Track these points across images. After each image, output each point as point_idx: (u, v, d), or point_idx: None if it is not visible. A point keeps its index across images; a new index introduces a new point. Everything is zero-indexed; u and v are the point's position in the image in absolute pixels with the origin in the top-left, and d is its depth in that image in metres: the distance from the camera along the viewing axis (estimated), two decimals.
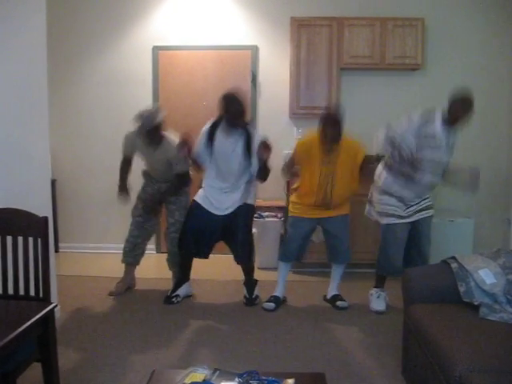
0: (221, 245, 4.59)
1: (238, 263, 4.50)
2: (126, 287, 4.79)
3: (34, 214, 2.70)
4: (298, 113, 5.70)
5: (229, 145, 4.21)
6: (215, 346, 3.67)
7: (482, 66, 5.84)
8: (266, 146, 4.07)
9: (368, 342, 3.75)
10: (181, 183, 4.56)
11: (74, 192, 6.18)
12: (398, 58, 5.55)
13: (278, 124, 5.87)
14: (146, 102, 5.51)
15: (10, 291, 2.72)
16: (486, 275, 2.86)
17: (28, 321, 2.33)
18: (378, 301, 4.39)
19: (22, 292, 2.71)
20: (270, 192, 5.66)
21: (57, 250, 5.88)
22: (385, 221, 4.31)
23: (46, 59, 3.95)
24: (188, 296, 4.62)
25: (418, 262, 4.26)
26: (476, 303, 2.78)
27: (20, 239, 2.68)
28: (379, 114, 5.80)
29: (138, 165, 4.73)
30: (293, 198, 4.51)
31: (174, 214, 4.61)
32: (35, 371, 2.62)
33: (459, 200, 5.87)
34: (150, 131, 4.31)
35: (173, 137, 4.44)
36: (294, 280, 5.12)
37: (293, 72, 5.65)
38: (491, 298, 2.79)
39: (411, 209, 4.25)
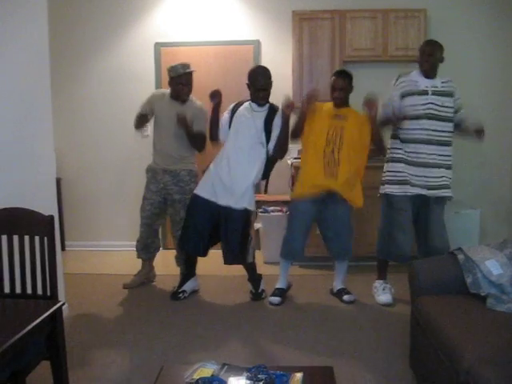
0: None
1: (231, 263, 4.41)
2: (141, 281, 4.84)
3: (39, 213, 2.70)
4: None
5: (250, 117, 4.29)
6: (223, 341, 3.67)
7: (485, 57, 5.81)
8: (289, 103, 4.23)
9: (375, 334, 3.75)
10: (198, 141, 4.55)
11: (79, 190, 6.19)
12: (401, 50, 5.53)
13: None
14: None
15: (18, 290, 2.73)
16: (493, 266, 2.85)
17: (36, 319, 2.34)
18: (383, 293, 4.38)
19: (29, 291, 2.72)
20: (275, 186, 5.65)
21: (63, 249, 5.89)
22: (387, 189, 4.24)
23: (49, 58, 3.95)
24: (194, 291, 4.63)
25: (438, 249, 4.07)
26: (483, 294, 2.77)
27: (26, 238, 2.69)
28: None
29: (141, 163, 4.73)
30: (296, 184, 4.51)
31: (180, 213, 4.60)
32: (44, 369, 2.63)
33: (465, 191, 5.86)
34: (184, 75, 4.47)
35: (200, 103, 4.61)
36: (300, 274, 5.12)
37: (295, 66, 5.64)
38: (498, 288, 2.78)
39: (423, 179, 4.12)
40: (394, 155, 4.24)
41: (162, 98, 4.61)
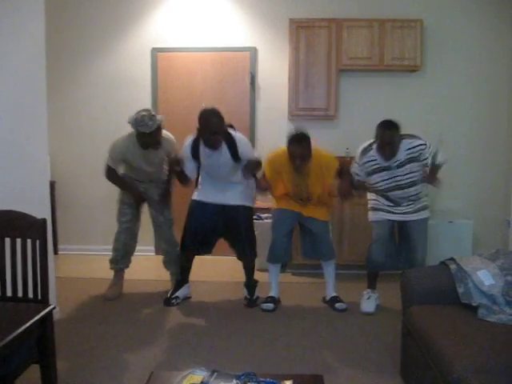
0: (219, 246, 4.60)
1: (240, 259, 4.56)
2: (121, 290, 4.79)
3: (32, 216, 2.70)
4: (297, 114, 5.69)
5: (215, 157, 4.22)
6: (213, 347, 3.66)
7: (480, 68, 5.84)
8: (249, 168, 4.15)
9: (366, 343, 3.74)
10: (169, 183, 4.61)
11: (73, 194, 6.18)
12: (397, 60, 5.55)
13: (276, 126, 5.87)
14: (144, 103, 5.50)
15: (9, 293, 2.72)
16: (485, 276, 2.86)
17: (26, 323, 2.33)
18: (367, 302, 4.40)
19: (20, 294, 2.71)
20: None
21: (56, 252, 5.88)
22: (371, 217, 4.41)
23: (45, 61, 3.95)
24: (187, 298, 4.63)
25: (405, 266, 4.22)
26: (474, 304, 2.77)
27: (18, 241, 2.69)
28: (378, 116, 5.76)
29: None
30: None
31: (164, 213, 4.65)
32: (33, 373, 2.61)
33: (458, 201, 5.88)
34: (153, 132, 4.25)
35: (165, 132, 4.49)
36: (292, 282, 5.12)
37: (292, 73, 5.65)
38: (490, 299, 2.79)
39: (400, 208, 4.28)
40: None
41: (130, 151, 4.43)
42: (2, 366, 2.29)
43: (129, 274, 4.90)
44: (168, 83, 6.02)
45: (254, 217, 5.40)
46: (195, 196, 4.48)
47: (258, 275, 4.71)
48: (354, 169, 4.26)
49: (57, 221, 6.03)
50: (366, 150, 4.17)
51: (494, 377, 2.06)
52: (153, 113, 4.29)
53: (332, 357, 3.52)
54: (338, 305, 4.43)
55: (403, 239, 4.43)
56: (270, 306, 4.38)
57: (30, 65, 3.78)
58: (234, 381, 2.07)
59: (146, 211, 4.78)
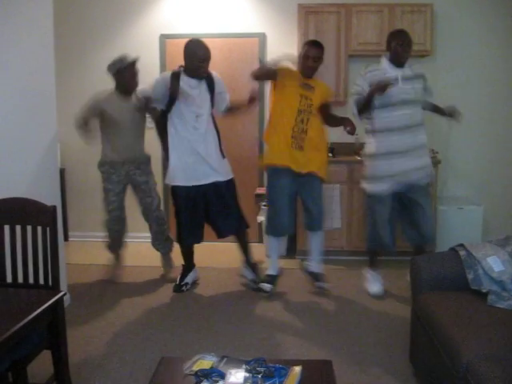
0: None
1: (225, 236, 4.51)
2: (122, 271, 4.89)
3: (42, 203, 2.71)
4: None
5: (197, 90, 4.29)
6: (223, 333, 3.69)
7: (491, 52, 5.78)
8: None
9: (376, 329, 3.75)
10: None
11: (83, 181, 6.20)
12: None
13: None
14: None
15: (20, 280, 2.74)
16: (495, 263, 2.85)
17: (37, 309, 2.35)
18: (372, 284, 4.45)
19: (31, 280, 2.72)
20: None
21: (66, 239, 5.92)
22: (371, 188, 4.27)
23: (53, 48, 3.96)
24: (195, 282, 4.67)
25: (417, 241, 4.26)
26: (484, 291, 2.77)
27: (29, 228, 2.70)
28: None
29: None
30: (268, 144, 4.45)
31: (151, 193, 4.67)
32: (45, 359, 2.64)
33: (468, 187, 5.86)
34: (128, 68, 4.44)
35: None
36: (302, 267, 5.12)
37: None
38: (499, 285, 2.78)
39: (406, 163, 4.11)
40: (376, 152, 4.23)
41: (110, 100, 4.55)
42: (14, 352, 2.31)
43: (137, 260, 4.93)
44: None
45: (263, 204, 5.43)
46: (174, 180, 4.34)
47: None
48: (356, 85, 4.20)
49: (67, 208, 6.05)
50: (375, 66, 4.21)
51: (503, 364, 2.05)
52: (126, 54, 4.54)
53: (341, 342, 3.53)
54: (319, 283, 4.47)
55: (407, 209, 4.27)
56: (269, 286, 4.37)
57: (39, 53, 3.78)
58: (244, 366, 2.08)
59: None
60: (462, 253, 2.98)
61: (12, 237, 2.71)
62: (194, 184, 4.29)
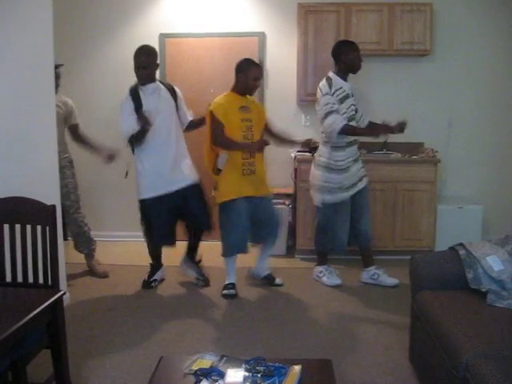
0: None
1: (194, 229, 4.63)
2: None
3: (41, 203, 2.71)
4: (306, 100, 5.66)
5: (155, 99, 4.33)
6: (222, 332, 3.69)
7: (491, 51, 5.78)
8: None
9: (375, 328, 3.75)
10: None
11: (82, 180, 6.17)
12: (406, 44, 5.50)
13: (285, 111, 5.85)
14: None
15: (19, 279, 2.74)
16: (494, 262, 2.85)
17: (37, 308, 2.35)
18: (331, 276, 4.64)
19: (31, 280, 2.72)
20: (278, 179, 5.65)
21: (66, 238, 5.90)
22: (327, 198, 4.48)
23: (53, 48, 3.95)
24: (162, 280, 4.77)
25: (360, 241, 4.62)
26: (484, 290, 2.77)
27: (28, 227, 2.70)
28: (387, 100, 5.78)
29: None
30: (221, 180, 4.39)
31: (70, 196, 4.69)
32: (45, 358, 2.64)
33: (468, 187, 5.86)
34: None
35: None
36: (300, 267, 5.14)
37: (300, 59, 5.62)
38: (499, 284, 2.78)
39: (352, 180, 4.46)
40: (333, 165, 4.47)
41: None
42: (13, 351, 2.31)
43: (135, 260, 4.93)
44: (176, 69, 6.00)
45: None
46: (144, 194, 4.42)
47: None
48: (331, 104, 4.29)
49: None
50: (329, 81, 4.37)
51: (502, 362, 2.05)
52: None
53: (340, 341, 3.53)
54: (277, 280, 4.64)
55: (355, 212, 4.55)
56: (233, 291, 4.40)
57: (38, 52, 3.78)
58: (243, 365, 2.08)
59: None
60: (462, 252, 2.98)
61: (11, 236, 2.70)
62: (163, 193, 4.35)
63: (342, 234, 4.51)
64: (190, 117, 4.60)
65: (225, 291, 4.39)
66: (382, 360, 3.26)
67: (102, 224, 6.21)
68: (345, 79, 4.41)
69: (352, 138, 4.42)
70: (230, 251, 4.43)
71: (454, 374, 2.22)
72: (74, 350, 3.15)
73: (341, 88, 4.34)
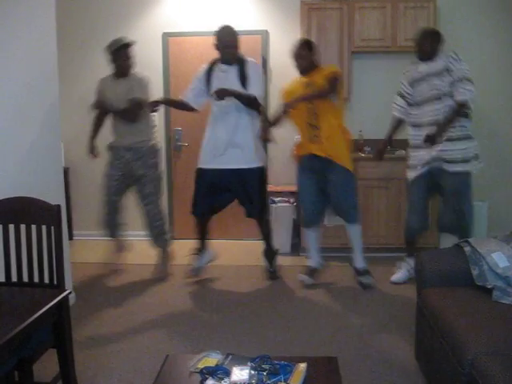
0: (233, 230, 4.61)
1: (249, 216, 4.62)
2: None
3: (46, 203, 2.71)
4: None
5: (224, 76, 4.38)
6: (228, 331, 3.69)
7: (495, 48, 5.76)
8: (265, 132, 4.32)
9: (381, 326, 3.75)
10: (133, 109, 4.49)
11: (87, 180, 6.21)
12: (410, 41, 5.44)
13: None
14: (156, 88, 5.49)
15: (25, 279, 2.75)
16: (500, 258, 2.84)
17: (43, 308, 2.35)
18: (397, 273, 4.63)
19: (36, 279, 2.73)
20: (282, 177, 5.65)
21: (71, 238, 5.93)
22: (408, 175, 4.47)
23: (56, 47, 3.96)
24: (212, 260, 4.79)
25: (452, 223, 4.41)
26: (489, 287, 2.76)
27: (33, 227, 2.70)
28: (391, 97, 5.75)
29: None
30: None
31: (145, 188, 4.64)
32: (51, 357, 2.65)
33: (473, 183, 5.83)
34: (124, 46, 4.52)
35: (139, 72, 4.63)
36: (304, 265, 5.11)
37: None
38: (504, 281, 2.77)
39: (440, 153, 4.24)
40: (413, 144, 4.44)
41: (106, 81, 4.69)
42: (19, 351, 2.32)
43: (143, 259, 4.93)
44: (179, 68, 6.00)
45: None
46: (200, 163, 4.53)
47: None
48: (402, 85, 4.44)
49: (71, 207, 6.06)
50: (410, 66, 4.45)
51: (508, 359, 2.05)
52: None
53: (346, 338, 3.53)
54: (360, 278, 4.50)
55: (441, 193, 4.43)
56: (305, 278, 4.48)
57: (42, 51, 3.79)
58: (249, 364, 2.08)
59: None
60: (467, 249, 2.97)
61: (17, 236, 2.71)
62: (218, 167, 4.41)
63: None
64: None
65: (299, 276, 4.56)
66: (387, 357, 3.26)
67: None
68: (423, 60, 4.36)
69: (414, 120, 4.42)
70: (301, 221, 4.65)
71: (459, 370, 2.21)
72: (79, 349, 3.16)
73: (412, 69, 4.41)
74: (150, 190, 4.65)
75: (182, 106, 4.61)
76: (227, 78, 4.37)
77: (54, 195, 3.53)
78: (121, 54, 4.51)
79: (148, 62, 6.00)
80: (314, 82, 4.26)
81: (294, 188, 5.50)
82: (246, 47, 5.88)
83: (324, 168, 4.33)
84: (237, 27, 5.82)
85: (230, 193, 4.52)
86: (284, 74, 5.88)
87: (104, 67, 6.04)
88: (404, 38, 5.46)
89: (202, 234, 4.70)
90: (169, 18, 5.96)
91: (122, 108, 4.48)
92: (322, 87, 4.17)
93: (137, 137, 4.58)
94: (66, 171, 5.61)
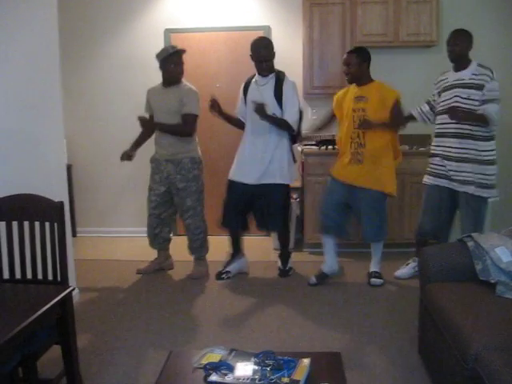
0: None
1: (261, 230, 4.74)
2: (155, 268, 4.87)
3: (49, 199, 2.72)
4: (313, 93, 5.67)
5: (259, 91, 4.39)
6: (232, 326, 3.70)
7: (497, 42, 5.74)
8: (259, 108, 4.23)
9: (384, 321, 3.75)
10: (183, 126, 4.47)
11: (90, 177, 6.22)
12: (413, 35, 5.47)
13: None
14: None
15: (29, 275, 2.76)
16: (503, 253, 2.84)
17: (46, 304, 2.36)
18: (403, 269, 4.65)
19: (40, 276, 2.74)
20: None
21: (74, 235, 5.94)
22: (424, 179, 4.42)
23: (58, 44, 3.96)
24: (242, 272, 4.75)
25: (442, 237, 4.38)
26: (493, 281, 2.76)
27: (37, 224, 2.71)
28: None
29: (152, 150, 4.73)
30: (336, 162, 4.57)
31: (186, 201, 4.58)
32: (55, 354, 2.66)
33: None
34: (174, 54, 4.47)
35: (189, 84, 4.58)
36: (309, 261, 5.13)
37: (306, 52, 5.61)
38: (508, 276, 2.77)
39: (450, 173, 4.15)
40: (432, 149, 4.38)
41: (154, 91, 4.63)
42: (24, 347, 2.33)
43: (148, 256, 4.93)
44: None
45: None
46: (230, 175, 4.57)
47: (273, 255, 4.73)
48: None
49: (74, 204, 6.08)
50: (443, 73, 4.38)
51: (511, 354, 2.05)
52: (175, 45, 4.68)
53: (350, 334, 3.53)
54: (372, 280, 4.47)
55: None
56: (311, 279, 4.50)
57: (44, 48, 3.78)
58: (252, 359, 2.08)
59: None
60: (470, 244, 2.97)
61: (20, 233, 2.72)
62: (245, 182, 4.44)
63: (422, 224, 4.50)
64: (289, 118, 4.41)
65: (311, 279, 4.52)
66: (391, 352, 3.26)
67: (107, 220, 6.24)
68: (456, 69, 4.35)
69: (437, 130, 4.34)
70: (320, 228, 4.59)
71: (463, 365, 2.21)
72: (83, 346, 3.18)
73: (442, 78, 4.39)
74: (191, 204, 4.59)
75: (238, 123, 4.65)
76: (262, 94, 4.39)
77: (57, 192, 3.53)
78: (169, 61, 4.46)
79: (150, 58, 5.96)
80: (368, 100, 4.26)
81: (297, 183, 5.51)
82: (248, 43, 5.89)
83: (356, 191, 4.33)
84: (239, 23, 5.87)
85: (253, 206, 4.55)
86: (286, 69, 5.88)
87: (106, 61, 6.07)
88: (406, 33, 5.45)
89: (235, 242, 4.74)
90: (171, 14, 5.95)
91: (170, 124, 4.48)
92: (395, 121, 4.31)
93: (177, 148, 4.52)
94: (69, 168, 5.62)
